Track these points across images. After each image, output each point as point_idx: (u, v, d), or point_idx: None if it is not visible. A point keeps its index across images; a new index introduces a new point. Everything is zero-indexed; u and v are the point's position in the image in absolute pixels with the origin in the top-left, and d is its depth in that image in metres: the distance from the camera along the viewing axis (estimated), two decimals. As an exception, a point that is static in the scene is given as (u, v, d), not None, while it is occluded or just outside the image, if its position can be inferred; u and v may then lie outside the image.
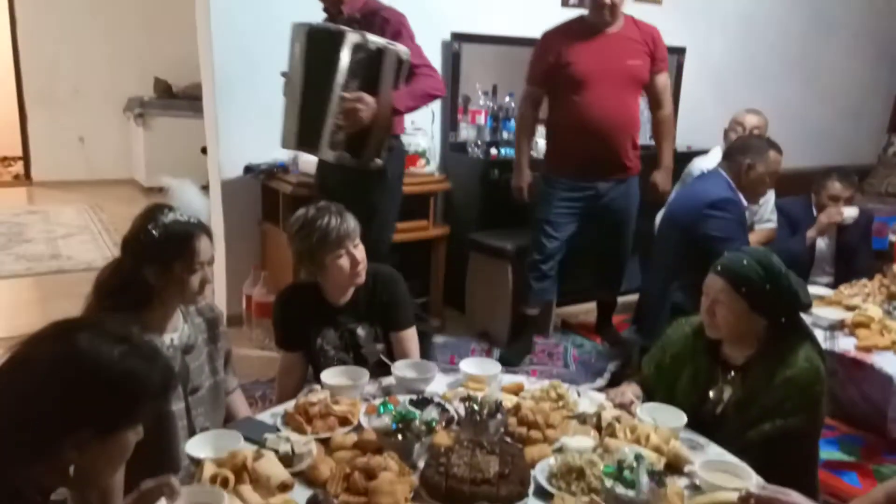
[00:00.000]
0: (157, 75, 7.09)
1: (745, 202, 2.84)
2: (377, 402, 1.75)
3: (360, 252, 2.08)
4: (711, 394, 1.82)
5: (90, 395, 1.08)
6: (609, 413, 1.72)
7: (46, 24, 6.92)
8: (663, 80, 3.33)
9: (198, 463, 1.47)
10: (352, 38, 2.53)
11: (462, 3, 3.98)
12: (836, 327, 2.76)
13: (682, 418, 1.69)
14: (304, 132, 2.67)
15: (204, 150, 3.89)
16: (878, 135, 6.01)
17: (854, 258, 3.46)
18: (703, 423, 1.77)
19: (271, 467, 1.44)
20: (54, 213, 6.11)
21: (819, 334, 2.52)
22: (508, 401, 1.77)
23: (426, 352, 2.83)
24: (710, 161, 3.27)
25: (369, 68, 2.58)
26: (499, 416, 1.66)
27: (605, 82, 3.15)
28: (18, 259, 4.84)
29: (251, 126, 3.45)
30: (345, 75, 2.54)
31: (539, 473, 1.49)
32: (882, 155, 5.93)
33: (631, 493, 1.29)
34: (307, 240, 2.04)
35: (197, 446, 1.53)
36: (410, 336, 2.19)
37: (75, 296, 1.69)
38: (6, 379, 1.07)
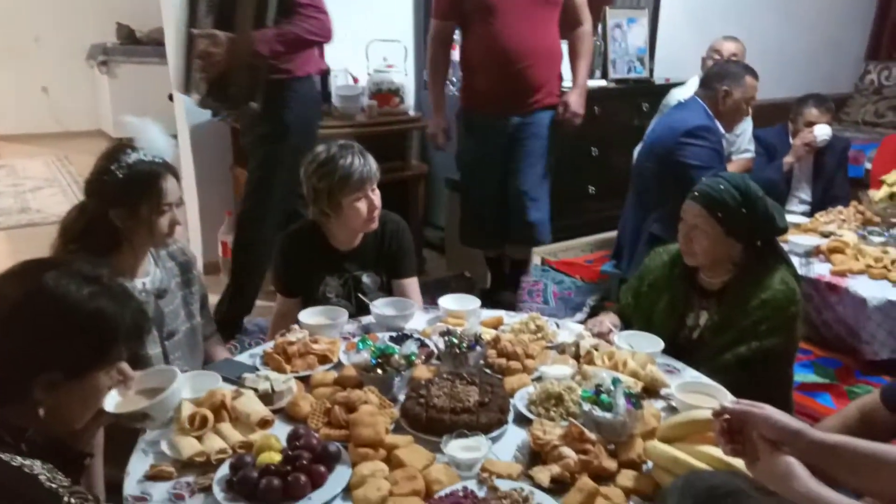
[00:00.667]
0: (118, 20, 6.82)
1: (722, 130, 2.82)
2: (356, 339, 1.74)
3: (377, 197, 2.03)
4: (688, 319, 1.84)
5: (58, 335, 1.06)
6: (587, 342, 1.73)
7: (0, -31, 6.60)
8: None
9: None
10: None
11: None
12: (811, 253, 2.79)
13: (659, 344, 1.71)
14: (185, 76, 2.52)
15: (171, 97, 3.78)
16: (856, 63, 5.97)
17: (830, 186, 3.48)
18: (681, 348, 1.79)
19: (251, 405, 1.43)
20: (21, 167, 5.96)
21: (795, 261, 2.54)
22: (488, 334, 1.77)
23: None
24: (687, 91, 3.23)
25: (223, 4, 2.39)
26: (478, 348, 1.66)
27: (516, 7, 2.87)
28: (-13, 214, 4.74)
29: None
30: (186, 11, 2.38)
31: (518, 401, 1.50)
32: (859, 83, 5.91)
33: (608, 415, 1.30)
34: (327, 178, 1.97)
35: (175, 388, 1.51)
36: (412, 284, 2.17)
37: (47, 249, 1.65)
38: None
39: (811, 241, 2.87)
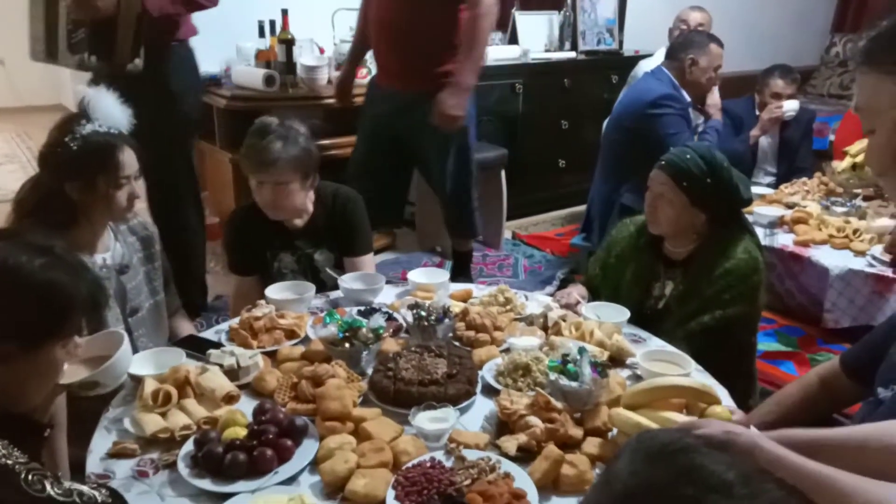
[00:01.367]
0: (77, -10, 6.60)
1: (688, 99, 2.84)
2: (324, 313, 1.73)
3: (282, 191, 1.91)
4: (654, 289, 1.85)
5: (9, 306, 1.03)
6: (555, 313, 1.73)
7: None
8: None
9: (139, 380, 1.43)
10: None
11: None
12: (775, 224, 2.84)
13: (625, 314, 1.72)
14: (49, 37, 2.22)
15: (133, 67, 3.67)
16: (822, 35, 6.03)
17: (795, 157, 3.53)
18: (647, 317, 1.81)
19: (216, 380, 1.41)
20: (-22, 143, 5.78)
21: (760, 231, 2.58)
22: (457, 307, 1.77)
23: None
24: (654, 62, 3.24)
25: None
26: (446, 320, 1.66)
27: None
28: (-56, 191, 4.58)
29: (179, 38, 3.24)
30: None
31: (486, 372, 1.50)
32: (825, 56, 5.97)
33: (574, 384, 1.31)
34: (243, 155, 1.95)
35: (138, 364, 1.49)
36: (367, 262, 2.12)
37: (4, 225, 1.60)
38: None
39: (776, 211, 2.91)
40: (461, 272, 3.13)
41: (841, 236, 2.71)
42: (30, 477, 0.94)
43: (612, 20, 4.53)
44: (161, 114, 2.35)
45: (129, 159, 1.64)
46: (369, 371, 1.51)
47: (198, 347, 1.59)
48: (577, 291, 1.91)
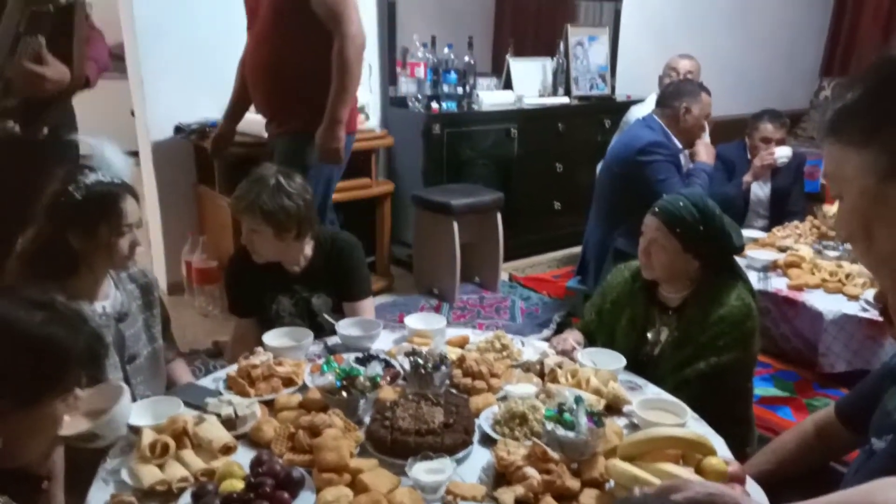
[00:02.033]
0: (80, 35, 6.70)
1: (679, 145, 2.90)
2: (321, 361, 1.73)
3: (258, 238, 1.97)
4: (650, 335, 1.87)
5: (7, 363, 1.03)
6: (551, 360, 1.74)
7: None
8: (321, 3, 2.47)
9: (137, 431, 1.43)
10: None
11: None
12: (769, 268, 2.86)
13: (621, 361, 1.73)
14: None
15: (133, 113, 3.73)
16: (811, 78, 6.16)
17: (787, 201, 3.58)
18: (642, 364, 1.82)
19: (213, 431, 1.41)
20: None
21: (753, 275, 2.61)
22: (453, 353, 1.78)
23: None
24: (645, 108, 3.31)
25: (58, 23, 2.03)
26: (443, 368, 1.67)
27: (256, 21, 2.63)
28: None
29: (179, 84, 3.32)
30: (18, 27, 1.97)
31: (483, 421, 1.50)
32: (814, 99, 6.08)
33: (571, 434, 1.32)
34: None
35: (136, 414, 1.49)
36: (366, 307, 2.14)
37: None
38: None
39: (769, 255, 2.94)
40: None
41: (834, 280, 2.73)
42: None
43: (605, 66, 4.63)
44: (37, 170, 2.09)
45: (131, 208, 1.66)
46: (367, 419, 1.52)
47: (196, 396, 1.59)
48: (572, 337, 1.93)
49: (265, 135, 2.86)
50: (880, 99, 0.88)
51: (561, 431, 1.33)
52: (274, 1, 2.52)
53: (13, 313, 1.05)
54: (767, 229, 3.42)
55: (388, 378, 1.66)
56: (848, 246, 2.97)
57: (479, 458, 1.42)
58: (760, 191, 3.57)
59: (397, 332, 2.04)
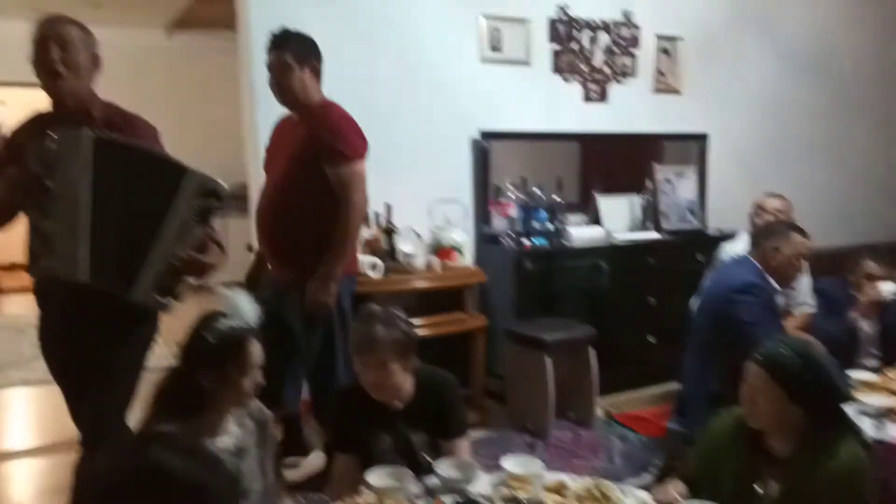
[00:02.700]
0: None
1: (776, 286, 2.87)
2: (421, 503, 1.77)
3: (385, 372, 2.01)
4: (758, 488, 1.80)
5: None
6: (654, 512, 1.71)
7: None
8: (334, 173, 2.73)
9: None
10: (199, 179, 2.13)
11: (488, 102, 4.19)
12: (884, 414, 2.70)
13: (728, 517, 1.67)
14: (107, 262, 2.03)
15: (250, 248, 4.05)
16: (914, 209, 5.97)
17: (898, 338, 3.40)
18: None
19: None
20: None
21: (867, 422, 2.47)
22: (551, 500, 1.78)
23: None
24: (737, 245, 3.32)
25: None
26: (543, 515, 1.66)
27: (275, 168, 2.91)
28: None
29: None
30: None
31: (586, 576, 1.48)
32: (918, 230, 5.86)
33: None
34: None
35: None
36: (462, 446, 2.16)
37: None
38: (85, 490, 1.13)
39: (883, 400, 2.78)
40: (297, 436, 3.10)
41: (958, 428, 2.54)
42: None
43: (694, 201, 4.69)
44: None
45: (256, 350, 1.83)
46: (468, 567, 1.52)
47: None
48: (674, 488, 1.88)
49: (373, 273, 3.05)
50: None
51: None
52: (293, 162, 2.78)
53: (168, 460, 1.16)
54: (879, 370, 3.24)
55: (489, 524, 1.67)
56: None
57: None
58: (870, 329, 3.43)
59: (494, 475, 2.05)
